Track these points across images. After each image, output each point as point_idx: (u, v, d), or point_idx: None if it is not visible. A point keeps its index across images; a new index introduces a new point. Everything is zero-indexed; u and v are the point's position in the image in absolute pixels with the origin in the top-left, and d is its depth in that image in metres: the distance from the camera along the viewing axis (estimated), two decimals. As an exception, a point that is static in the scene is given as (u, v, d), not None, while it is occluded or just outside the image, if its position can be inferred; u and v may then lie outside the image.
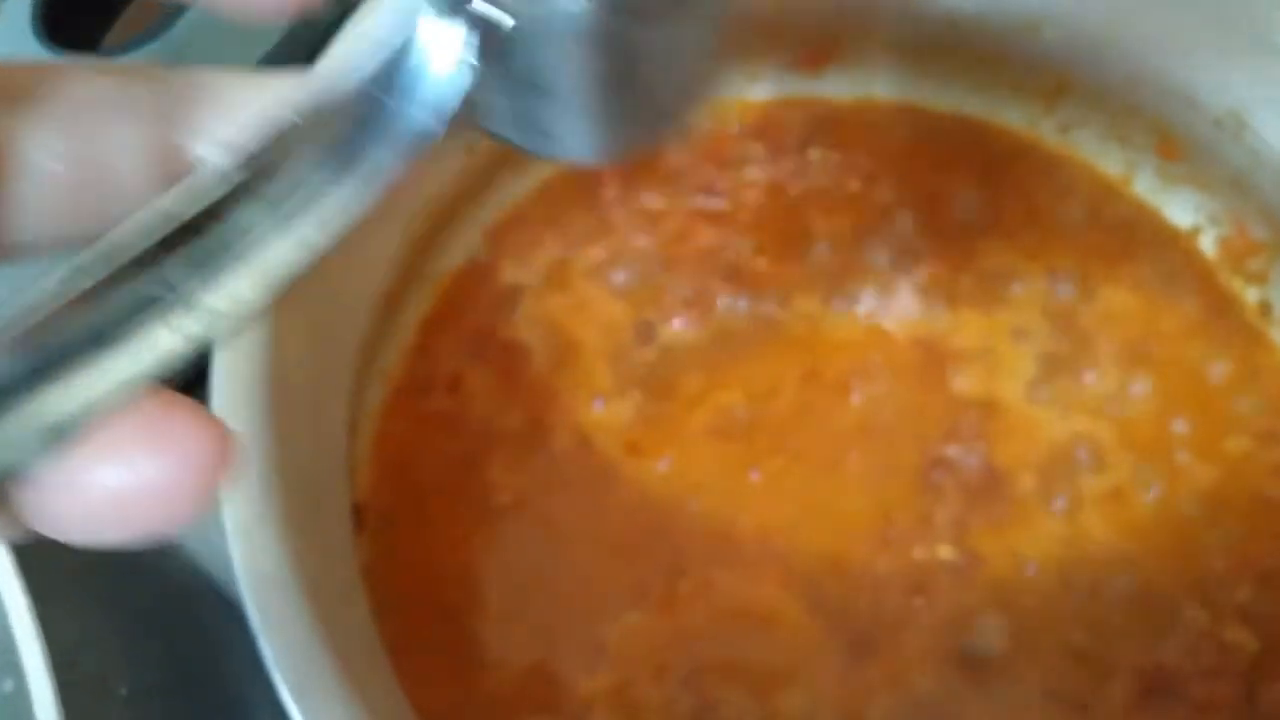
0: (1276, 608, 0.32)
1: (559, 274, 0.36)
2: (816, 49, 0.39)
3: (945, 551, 0.32)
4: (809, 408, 0.34)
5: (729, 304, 0.36)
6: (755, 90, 0.39)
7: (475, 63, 0.15)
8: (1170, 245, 0.37)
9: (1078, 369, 0.35)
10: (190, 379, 0.36)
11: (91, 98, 0.16)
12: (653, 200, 0.37)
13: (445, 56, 0.15)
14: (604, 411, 0.34)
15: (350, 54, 0.15)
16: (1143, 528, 0.33)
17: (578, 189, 0.37)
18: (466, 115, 0.15)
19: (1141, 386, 0.35)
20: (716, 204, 0.37)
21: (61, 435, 0.13)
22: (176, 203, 0.14)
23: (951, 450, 0.33)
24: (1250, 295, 0.36)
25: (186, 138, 0.16)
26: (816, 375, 0.35)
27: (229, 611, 0.29)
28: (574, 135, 0.17)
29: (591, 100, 0.16)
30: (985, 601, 0.32)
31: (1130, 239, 0.37)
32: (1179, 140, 0.35)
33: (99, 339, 0.13)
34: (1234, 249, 0.36)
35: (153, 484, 0.14)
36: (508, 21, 0.15)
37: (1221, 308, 0.36)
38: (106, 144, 0.16)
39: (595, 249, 0.36)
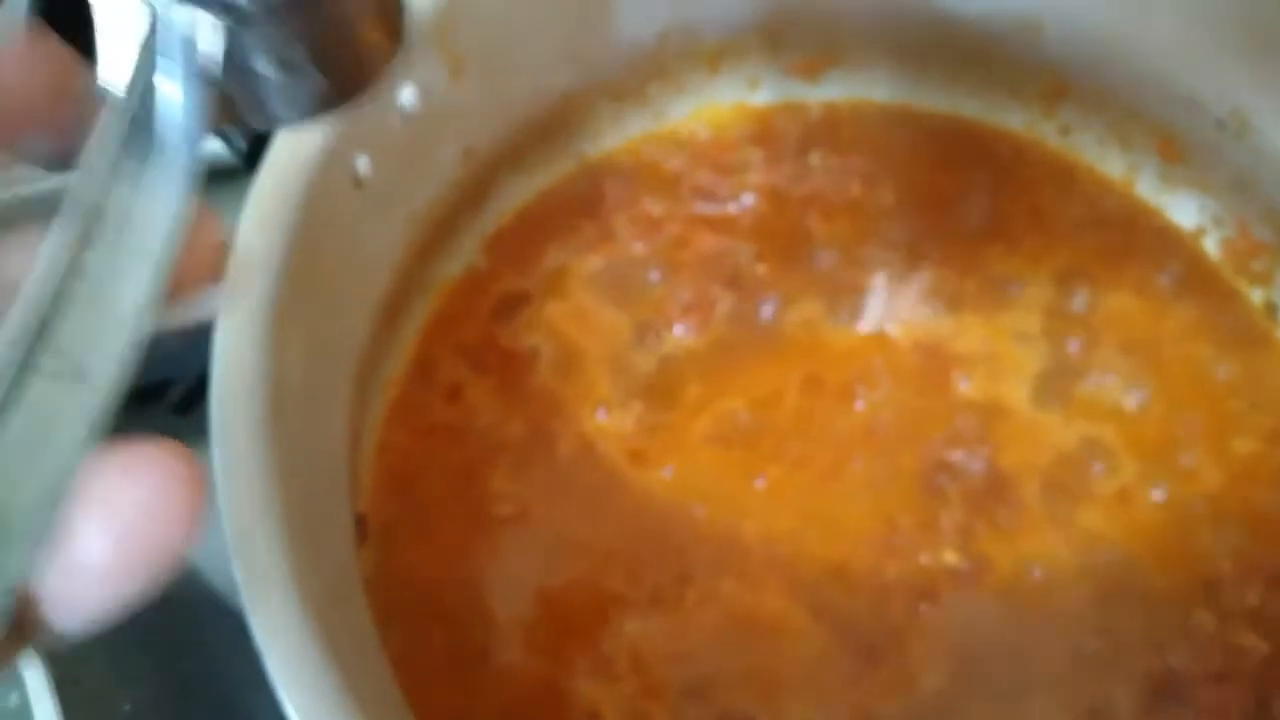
0: (1286, 611, 0.32)
1: (559, 282, 0.36)
2: (815, 54, 0.39)
3: (951, 557, 0.32)
4: (812, 414, 0.34)
5: (730, 310, 0.36)
6: (755, 95, 0.39)
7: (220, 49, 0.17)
8: (1174, 247, 0.36)
9: (1082, 372, 0.35)
10: (193, 390, 0.36)
11: None
12: (653, 207, 0.37)
13: (195, 41, 0.16)
14: (606, 420, 0.34)
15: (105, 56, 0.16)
16: (1150, 531, 0.33)
17: (577, 196, 0.37)
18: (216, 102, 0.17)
19: (1147, 389, 0.34)
20: (717, 210, 0.37)
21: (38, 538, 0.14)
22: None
23: (956, 455, 0.33)
24: (1255, 296, 0.36)
25: None
26: (819, 381, 0.35)
27: (231, 623, 0.29)
28: (284, 104, 0.19)
29: (296, 68, 0.18)
30: (992, 607, 0.32)
31: (1133, 241, 0.36)
32: (1181, 142, 0.35)
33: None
34: (1238, 250, 0.36)
35: (144, 520, 0.14)
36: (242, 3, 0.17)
37: (1226, 309, 0.36)
38: None
39: (595, 256, 0.36)
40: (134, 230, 0.16)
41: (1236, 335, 0.35)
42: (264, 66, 0.18)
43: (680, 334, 0.35)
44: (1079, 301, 0.35)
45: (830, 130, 0.39)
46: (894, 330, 0.35)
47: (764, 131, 0.38)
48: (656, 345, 0.35)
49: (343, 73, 0.20)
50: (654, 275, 0.36)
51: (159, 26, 0.16)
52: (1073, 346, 0.35)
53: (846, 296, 0.36)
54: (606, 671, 0.31)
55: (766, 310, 0.36)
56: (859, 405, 0.34)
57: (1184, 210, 0.36)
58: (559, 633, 0.32)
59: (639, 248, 0.36)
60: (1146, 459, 0.33)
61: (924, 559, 0.32)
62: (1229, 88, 0.33)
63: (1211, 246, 0.36)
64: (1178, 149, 0.35)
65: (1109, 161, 0.37)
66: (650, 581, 0.32)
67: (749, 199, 0.37)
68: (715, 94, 0.39)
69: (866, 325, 0.35)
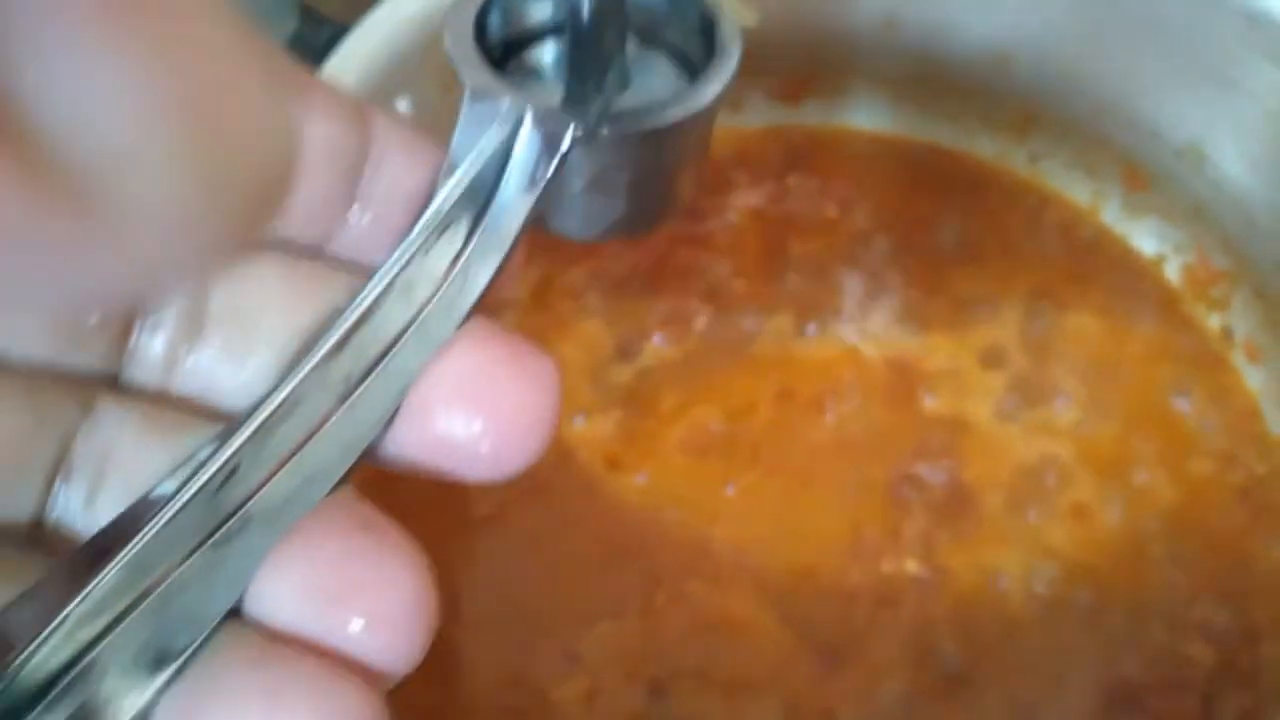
0: (1234, 624, 0.33)
1: (543, 293, 0.37)
2: (798, 80, 0.40)
3: (913, 565, 0.33)
4: (783, 425, 0.35)
5: (708, 324, 0.37)
6: (738, 119, 0.40)
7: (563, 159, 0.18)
8: (1136, 273, 0.38)
9: (1045, 391, 0.36)
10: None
11: None
12: (636, 223, 0.38)
13: (548, 152, 0.17)
14: (585, 426, 0.35)
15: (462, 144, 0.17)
16: (1105, 545, 0.34)
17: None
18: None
19: (1106, 409, 0.36)
20: (698, 227, 0.38)
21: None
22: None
23: (921, 468, 0.34)
24: (1212, 322, 0.37)
25: None
26: (791, 394, 0.36)
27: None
28: (584, 220, 0.20)
29: (615, 192, 0.20)
30: (951, 614, 0.33)
31: (1097, 266, 0.38)
32: (1143, 171, 0.37)
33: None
34: (1196, 277, 0.37)
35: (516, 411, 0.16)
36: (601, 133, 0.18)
37: (1184, 333, 0.37)
38: None
39: (578, 268, 0.37)
40: (442, 291, 0.16)
41: (1194, 359, 0.37)
42: (582, 183, 0.19)
43: (658, 345, 0.37)
44: (1043, 323, 0.37)
45: (809, 154, 0.40)
46: (865, 347, 0.37)
47: (746, 153, 0.40)
48: (635, 355, 0.36)
49: (645, 210, 0.21)
50: (634, 289, 0.37)
51: (524, 126, 0.17)
52: (1035, 367, 0.36)
53: (820, 313, 0.37)
54: (575, 669, 0.32)
55: (742, 324, 0.37)
56: (829, 418, 0.35)
57: (1146, 237, 0.38)
58: (531, 631, 0.33)
59: (621, 262, 0.38)
60: (1104, 476, 0.35)
61: (887, 566, 0.33)
62: (1184, 119, 0.34)
63: (1172, 273, 0.37)
64: (1141, 178, 0.37)
65: (1076, 189, 0.38)
66: (622, 583, 0.33)
67: (729, 217, 0.39)
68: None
69: (838, 341, 0.37)
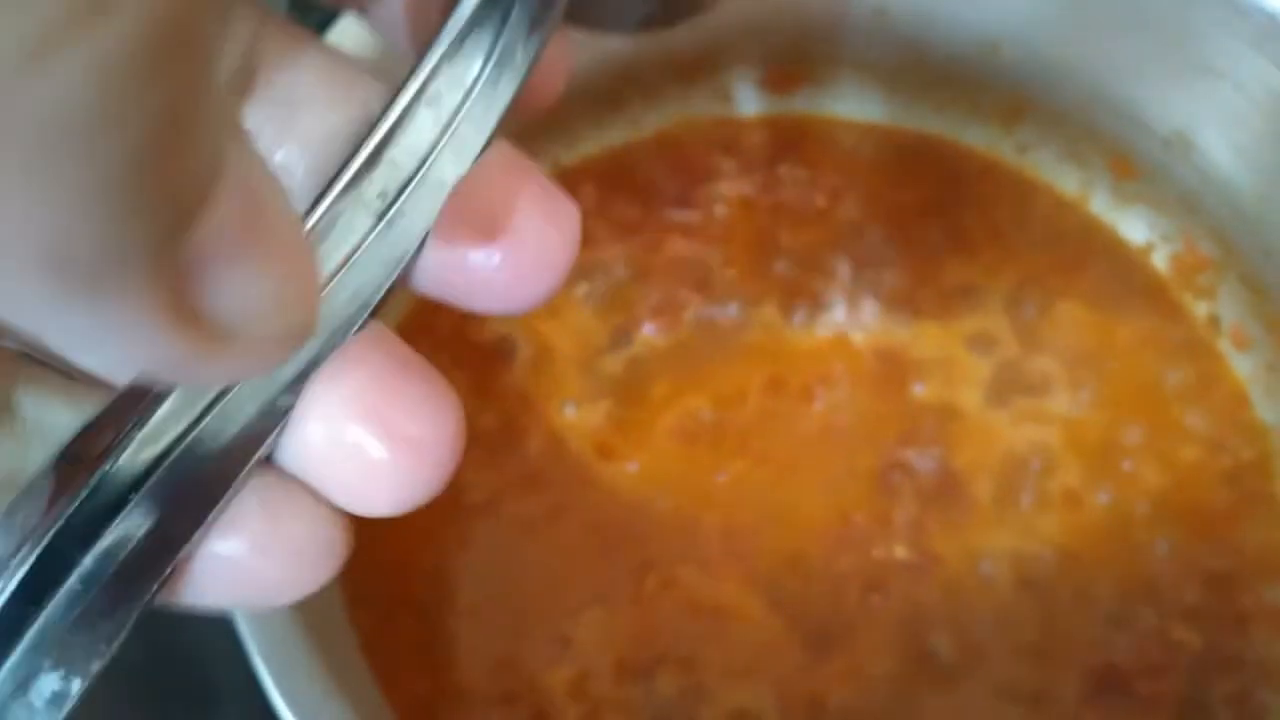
0: (1221, 609, 0.33)
1: (534, 282, 0.37)
2: (788, 70, 0.40)
3: (902, 551, 0.34)
4: (773, 413, 0.36)
5: (698, 313, 0.37)
6: (728, 108, 0.40)
7: None
8: (1124, 261, 0.38)
9: (1034, 379, 0.36)
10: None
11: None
12: (628, 211, 0.38)
13: None
14: (576, 415, 0.36)
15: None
16: (1094, 531, 0.34)
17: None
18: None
19: (1095, 396, 0.36)
20: (689, 216, 0.38)
21: None
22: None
23: (909, 454, 0.35)
24: (1200, 310, 0.37)
25: None
26: (781, 382, 0.36)
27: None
28: (614, 15, 0.20)
29: None
30: (941, 600, 0.33)
31: (1086, 255, 0.38)
32: (1131, 160, 0.37)
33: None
34: (1184, 265, 0.37)
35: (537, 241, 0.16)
36: None
37: (1172, 321, 0.37)
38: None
39: (570, 258, 0.38)
40: (470, 101, 0.16)
41: (1181, 347, 0.37)
42: None
43: (649, 334, 0.37)
44: (1032, 312, 0.37)
45: (799, 144, 0.40)
46: (854, 335, 0.37)
47: (736, 143, 0.40)
48: (626, 344, 0.37)
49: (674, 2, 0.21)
50: (626, 277, 0.37)
51: None
52: (1024, 355, 0.36)
53: (809, 302, 0.37)
54: (566, 654, 0.32)
55: (733, 313, 0.37)
56: (818, 406, 0.36)
57: (1134, 226, 0.38)
58: (522, 617, 0.33)
59: (612, 251, 0.38)
60: (1092, 462, 0.35)
61: (877, 552, 0.34)
62: (1171, 108, 0.34)
63: (1160, 261, 0.38)
64: (1129, 167, 0.37)
65: (1064, 178, 0.39)
66: (612, 569, 0.33)
67: (720, 207, 0.39)
68: (690, 105, 0.40)
69: (827, 330, 0.37)
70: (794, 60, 0.40)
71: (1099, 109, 0.36)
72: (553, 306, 0.37)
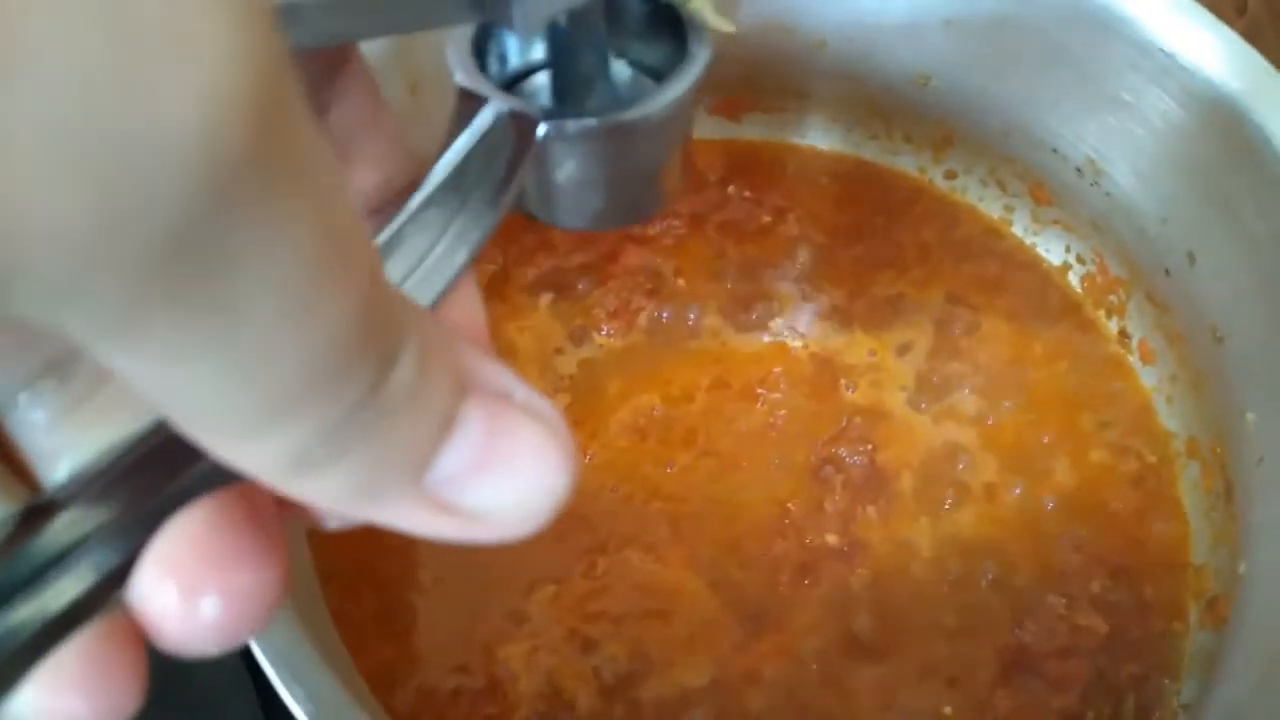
0: (1125, 597, 0.36)
1: (499, 286, 0.40)
2: (738, 98, 0.43)
3: (833, 539, 0.36)
4: (718, 411, 0.38)
5: (651, 318, 0.40)
6: (682, 133, 0.43)
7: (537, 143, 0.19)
8: (1042, 280, 0.41)
9: (955, 385, 0.39)
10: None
11: None
12: (586, 225, 0.41)
13: (522, 139, 0.19)
14: (534, 410, 0.38)
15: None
16: (1008, 523, 0.37)
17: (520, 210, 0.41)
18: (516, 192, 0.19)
19: (1013, 403, 0.39)
20: (644, 230, 0.41)
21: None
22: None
23: (841, 451, 0.38)
24: (1111, 325, 0.40)
25: None
26: (725, 383, 0.39)
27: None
28: (568, 211, 0.22)
29: (593, 187, 0.21)
30: (867, 584, 0.36)
31: (1007, 274, 0.41)
32: (1048, 186, 0.40)
33: None
34: (1096, 284, 0.41)
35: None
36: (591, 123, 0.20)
37: (1085, 336, 0.40)
38: None
39: (532, 265, 0.40)
40: (417, 273, 0.17)
41: (1093, 359, 0.40)
42: (564, 177, 0.20)
43: (605, 336, 0.40)
44: (956, 325, 0.40)
45: (747, 166, 0.43)
46: (793, 342, 0.40)
47: (688, 164, 0.43)
48: (583, 345, 0.39)
49: (629, 204, 0.22)
50: (584, 284, 0.40)
51: (501, 121, 0.19)
52: (948, 363, 0.39)
53: (753, 311, 0.40)
54: (520, 629, 0.35)
55: (683, 319, 0.40)
56: (759, 405, 0.39)
57: (1052, 248, 0.41)
58: (481, 593, 0.35)
59: (573, 259, 0.41)
60: (1008, 461, 0.38)
61: (810, 539, 0.36)
62: (1083, 138, 0.38)
63: (1075, 280, 0.41)
64: (1047, 193, 0.40)
65: (989, 203, 0.42)
66: (566, 551, 0.36)
67: (673, 222, 0.42)
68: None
69: (769, 336, 0.40)
70: (743, 90, 0.43)
71: (1020, 138, 0.40)
72: (516, 309, 0.40)
